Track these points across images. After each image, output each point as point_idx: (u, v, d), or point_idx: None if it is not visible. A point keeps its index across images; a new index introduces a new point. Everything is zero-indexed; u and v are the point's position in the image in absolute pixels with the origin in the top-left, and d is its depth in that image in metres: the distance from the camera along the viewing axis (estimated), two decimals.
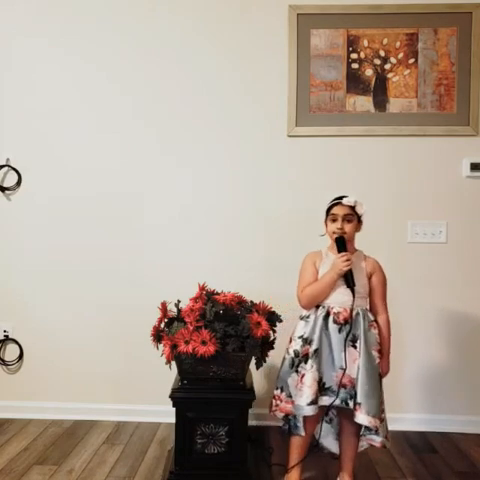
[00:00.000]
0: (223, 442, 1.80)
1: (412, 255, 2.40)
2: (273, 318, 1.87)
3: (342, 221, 1.75)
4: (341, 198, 1.77)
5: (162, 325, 1.85)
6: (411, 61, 2.39)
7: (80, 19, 2.44)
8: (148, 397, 2.44)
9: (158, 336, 1.82)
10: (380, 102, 2.40)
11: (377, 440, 1.70)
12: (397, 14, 2.37)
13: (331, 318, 1.74)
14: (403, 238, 2.41)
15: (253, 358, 1.85)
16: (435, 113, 2.39)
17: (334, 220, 1.77)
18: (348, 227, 1.76)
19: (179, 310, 1.85)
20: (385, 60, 2.39)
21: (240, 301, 1.87)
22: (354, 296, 1.72)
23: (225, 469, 1.80)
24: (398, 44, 2.39)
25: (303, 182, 2.42)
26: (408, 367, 2.41)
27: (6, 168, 2.49)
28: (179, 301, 1.87)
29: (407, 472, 2.00)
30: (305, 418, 1.74)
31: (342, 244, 1.75)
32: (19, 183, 2.49)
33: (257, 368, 1.86)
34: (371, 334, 1.75)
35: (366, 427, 1.68)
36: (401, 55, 2.39)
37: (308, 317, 1.79)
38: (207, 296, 1.85)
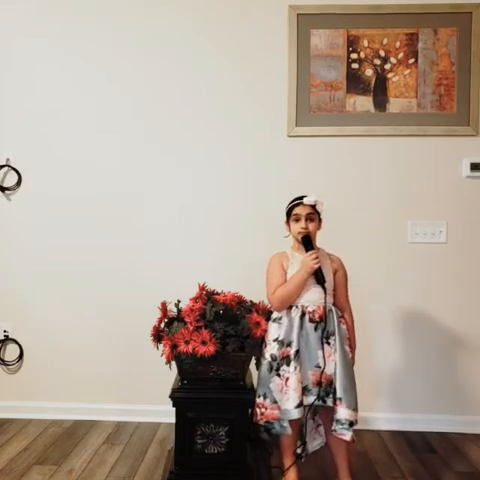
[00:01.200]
0: (223, 442, 1.80)
1: (412, 255, 2.40)
2: None
3: (305, 220, 1.78)
4: (301, 198, 1.80)
5: (162, 325, 1.85)
6: (411, 61, 2.39)
7: (80, 19, 2.44)
8: (148, 397, 2.44)
9: (158, 336, 1.82)
10: (380, 102, 2.40)
11: (348, 434, 1.70)
12: (397, 14, 2.37)
13: (307, 317, 1.75)
14: (403, 238, 2.41)
15: (253, 358, 1.85)
16: (435, 113, 2.39)
17: (297, 220, 1.80)
18: (311, 226, 1.80)
19: (179, 310, 1.85)
20: (385, 60, 2.39)
21: (240, 301, 1.87)
22: (325, 292, 1.75)
23: (225, 469, 1.80)
24: (398, 44, 2.39)
25: (303, 182, 2.41)
26: (408, 367, 2.41)
27: (6, 168, 2.49)
28: (179, 301, 1.87)
29: (406, 472, 2.00)
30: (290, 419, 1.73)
31: (308, 242, 1.78)
32: (19, 183, 2.49)
33: (257, 368, 1.86)
34: (342, 329, 1.79)
35: (338, 422, 1.69)
36: (401, 55, 2.39)
37: (280, 319, 1.79)
38: (207, 296, 1.85)
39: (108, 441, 2.26)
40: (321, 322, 1.74)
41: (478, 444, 2.26)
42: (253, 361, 1.86)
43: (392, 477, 1.96)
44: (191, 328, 1.74)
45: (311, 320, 1.75)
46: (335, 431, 1.71)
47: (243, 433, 1.80)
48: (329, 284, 1.79)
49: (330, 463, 1.86)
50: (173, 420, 1.82)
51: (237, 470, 1.80)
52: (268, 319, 1.83)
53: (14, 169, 2.48)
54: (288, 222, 1.85)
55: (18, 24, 2.47)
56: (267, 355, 1.78)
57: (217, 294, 1.87)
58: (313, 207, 1.79)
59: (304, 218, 1.79)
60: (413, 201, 2.41)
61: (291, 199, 1.86)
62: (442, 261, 2.40)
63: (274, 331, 1.79)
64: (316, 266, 1.73)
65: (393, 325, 2.42)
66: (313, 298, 1.77)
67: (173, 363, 1.81)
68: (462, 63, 2.37)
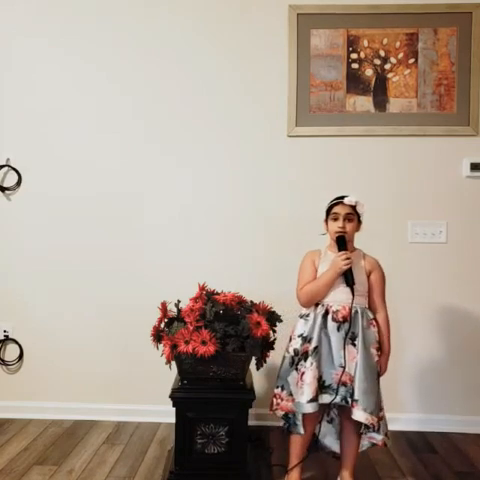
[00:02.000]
0: (223, 442, 1.80)
1: (412, 255, 2.40)
2: (273, 318, 1.88)
3: (343, 220, 1.77)
4: (342, 197, 1.78)
5: (162, 325, 1.85)
6: (411, 61, 2.39)
7: (80, 19, 2.44)
8: (148, 397, 2.44)
9: (158, 336, 1.82)
10: (380, 102, 2.40)
11: (378, 438, 1.71)
12: (397, 14, 2.37)
13: (330, 316, 1.74)
14: (403, 238, 2.41)
15: (253, 358, 1.85)
16: (435, 113, 2.39)
17: (335, 219, 1.78)
18: (349, 226, 1.78)
19: (179, 310, 1.85)
20: (385, 60, 2.39)
21: (240, 301, 1.87)
22: (353, 294, 1.73)
23: (225, 469, 1.80)
24: (398, 44, 2.39)
25: (303, 182, 2.42)
26: (408, 367, 2.41)
27: (6, 168, 2.49)
28: (179, 301, 1.87)
29: (407, 472, 2.00)
30: (304, 416, 1.74)
31: (342, 243, 1.76)
32: (19, 183, 2.49)
33: (257, 368, 1.86)
34: (370, 332, 1.76)
35: (366, 425, 1.69)
36: (401, 55, 2.39)
37: (308, 316, 1.79)
38: (207, 296, 1.85)
39: (108, 441, 2.26)
40: (344, 322, 1.72)
41: (479, 444, 2.26)
42: (253, 361, 1.86)
43: (392, 477, 1.96)
44: (191, 328, 1.74)
45: (334, 319, 1.74)
46: (365, 434, 1.72)
47: (243, 433, 1.81)
48: (361, 285, 1.76)
49: (332, 464, 1.87)
50: (173, 420, 1.82)
51: (237, 470, 1.80)
52: (268, 319, 1.83)
53: (14, 169, 2.48)
54: (326, 221, 1.83)
55: (18, 24, 2.46)
56: (290, 349, 1.79)
57: (217, 294, 1.87)
58: (353, 208, 1.78)
59: (342, 218, 1.77)
60: (413, 201, 2.41)
61: (330, 199, 1.83)
62: (442, 261, 2.40)
63: (300, 327, 1.79)
64: (345, 267, 1.71)
65: (393, 325, 2.41)
66: (340, 298, 1.75)
67: (173, 363, 1.81)
68: (462, 63, 2.37)
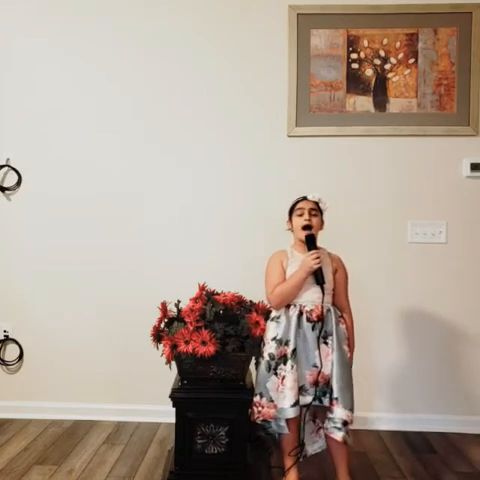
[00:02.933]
0: (223, 442, 1.80)
1: (412, 255, 2.40)
2: None
3: (308, 214, 1.80)
4: (306, 197, 1.84)
5: (162, 325, 1.85)
6: (411, 61, 2.39)
7: (80, 19, 2.44)
8: (148, 397, 2.44)
9: (158, 336, 1.82)
10: (380, 102, 2.40)
11: (339, 435, 1.70)
12: (397, 14, 2.37)
13: (304, 316, 1.75)
14: (403, 238, 2.41)
15: (253, 358, 1.85)
16: (435, 113, 2.39)
17: (300, 215, 1.81)
18: (314, 220, 1.80)
19: (179, 310, 1.85)
20: (385, 60, 2.39)
21: (240, 301, 1.87)
22: (323, 293, 1.75)
23: (225, 469, 1.80)
24: (398, 44, 2.39)
25: (303, 182, 2.41)
26: (407, 367, 2.41)
27: (6, 168, 2.49)
28: (179, 301, 1.87)
29: (406, 472, 2.00)
30: (287, 419, 1.73)
31: (312, 242, 1.78)
32: (19, 183, 2.49)
33: (256, 368, 1.85)
34: (340, 329, 1.78)
35: (329, 421, 1.69)
36: (401, 55, 2.39)
37: (278, 318, 1.79)
38: (207, 296, 1.85)
39: (108, 441, 2.26)
40: (319, 322, 1.74)
41: (478, 444, 2.26)
42: (253, 361, 1.86)
43: (392, 477, 1.96)
44: (191, 328, 1.74)
45: (308, 319, 1.75)
46: (327, 429, 1.72)
47: (243, 433, 1.81)
48: (328, 284, 1.79)
49: (330, 463, 1.86)
50: (173, 420, 1.82)
51: (237, 470, 1.80)
52: (267, 318, 1.83)
53: (14, 169, 2.48)
54: (291, 220, 1.86)
55: (18, 24, 2.46)
56: (265, 354, 1.78)
57: (217, 294, 1.87)
58: (316, 205, 1.81)
59: (307, 212, 1.80)
60: (413, 201, 2.41)
61: (294, 199, 1.88)
62: (442, 261, 2.40)
63: (272, 330, 1.79)
64: (316, 266, 1.73)
65: (393, 325, 2.42)
66: (311, 298, 1.77)
67: (173, 363, 1.81)
68: (462, 63, 2.37)
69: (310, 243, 1.77)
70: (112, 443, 2.24)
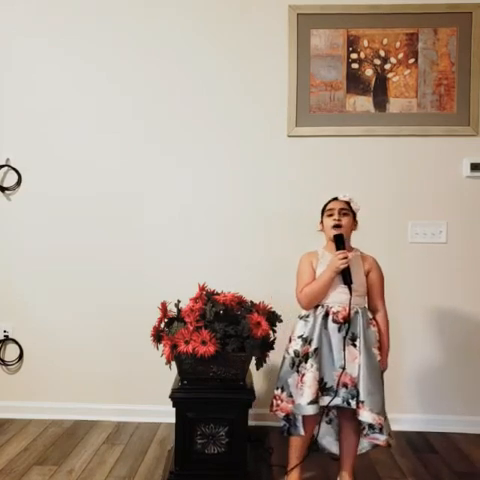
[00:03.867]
0: (223, 442, 1.80)
1: (412, 255, 2.40)
2: (273, 318, 1.88)
3: (338, 214, 1.78)
4: (336, 197, 1.82)
5: (162, 325, 1.85)
6: (411, 61, 2.39)
7: (80, 19, 2.44)
8: (148, 397, 2.44)
9: (158, 336, 1.82)
10: (380, 102, 2.40)
11: (381, 438, 1.69)
12: (397, 14, 2.37)
13: (330, 317, 1.74)
14: (403, 238, 2.41)
15: (253, 358, 1.85)
16: (435, 113, 2.39)
17: (330, 215, 1.79)
18: (345, 220, 1.78)
19: (179, 310, 1.85)
20: (385, 60, 2.39)
21: (240, 301, 1.87)
22: (351, 294, 1.73)
23: (225, 469, 1.80)
24: (398, 44, 2.39)
25: (303, 182, 2.42)
26: (408, 367, 2.41)
27: (6, 168, 2.49)
28: (179, 301, 1.87)
29: (407, 472, 2.00)
30: (304, 418, 1.74)
31: (340, 241, 1.76)
32: (19, 183, 2.49)
33: (257, 368, 1.86)
34: (370, 332, 1.75)
35: (369, 426, 1.68)
36: (401, 55, 2.39)
37: (308, 317, 1.78)
38: (207, 296, 1.85)
39: (108, 441, 2.25)
40: (345, 323, 1.72)
41: (479, 444, 2.26)
42: (253, 361, 1.86)
43: (392, 477, 1.96)
44: (191, 328, 1.74)
45: (334, 321, 1.73)
46: (367, 435, 1.70)
47: (243, 433, 1.81)
48: (360, 286, 1.76)
49: (331, 464, 1.86)
50: (173, 420, 1.82)
51: (237, 470, 1.80)
52: (268, 319, 1.83)
53: (14, 169, 2.48)
54: (322, 221, 1.84)
55: (18, 24, 2.46)
56: (291, 350, 1.78)
57: (217, 294, 1.87)
58: (348, 204, 1.80)
59: (337, 211, 1.78)
60: (413, 201, 2.41)
61: (327, 200, 1.86)
62: (442, 261, 2.40)
63: (300, 328, 1.78)
64: (342, 266, 1.70)
65: (393, 325, 2.41)
66: (339, 299, 1.74)
67: (173, 363, 1.81)
68: (462, 63, 2.37)
69: (338, 243, 1.75)
70: (112, 443, 2.23)
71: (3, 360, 2.51)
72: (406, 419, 2.39)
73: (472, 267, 2.40)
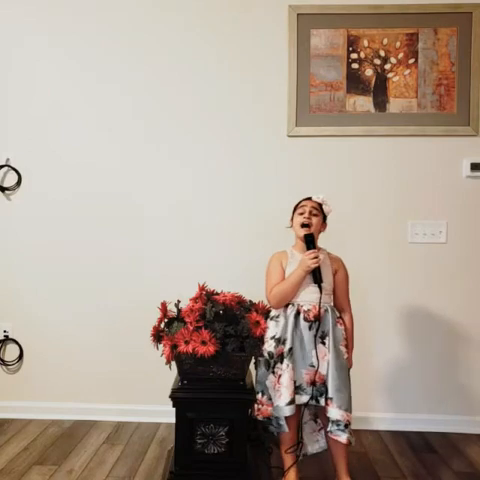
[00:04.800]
0: (223, 442, 1.80)
1: (412, 255, 2.40)
2: None
3: (309, 213, 1.80)
4: (310, 197, 1.86)
5: (162, 325, 1.85)
6: (411, 61, 2.39)
7: (80, 19, 2.44)
8: (148, 397, 2.44)
9: (158, 336, 1.82)
10: (380, 102, 2.40)
11: (343, 436, 1.70)
12: (397, 14, 2.37)
13: (301, 316, 1.76)
14: (403, 238, 2.41)
15: (253, 358, 1.85)
16: (435, 113, 2.39)
17: (301, 213, 1.82)
18: (314, 220, 1.81)
19: (179, 310, 1.85)
20: (385, 60, 2.39)
21: (240, 301, 1.87)
22: (321, 293, 1.75)
23: (225, 469, 1.80)
24: (398, 44, 2.39)
25: (303, 182, 2.41)
26: (407, 367, 2.41)
27: (6, 168, 2.49)
28: (179, 301, 1.87)
29: (406, 472, 2.00)
30: (286, 417, 1.74)
31: (311, 241, 1.78)
32: (19, 183, 2.49)
33: (256, 368, 1.85)
34: (338, 330, 1.78)
35: (335, 423, 1.69)
36: (401, 55, 2.39)
37: (278, 317, 1.80)
38: (207, 296, 1.85)
39: (108, 441, 2.26)
40: (315, 322, 1.75)
41: (478, 444, 2.26)
42: (253, 361, 1.86)
43: (392, 477, 1.96)
44: (191, 328, 1.74)
45: (305, 319, 1.76)
46: (331, 432, 1.72)
47: (243, 433, 1.80)
48: (328, 284, 1.80)
49: (330, 463, 1.86)
50: (173, 420, 1.82)
51: (237, 470, 1.80)
52: (267, 318, 1.83)
53: (14, 169, 2.48)
54: (293, 218, 1.87)
55: (18, 24, 2.46)
56: (265, 352, 1.79)
57: (217, 294, 1.87)
58: (320, 206, 1.83)
59: (308, 210, 1.81)
60: (413, 201, 2.41)
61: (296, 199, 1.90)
62: (442, 261, 2.40)
63: (272, 329, 1.80)
64: (313, 265, 1.74)
65: (393, 325, 2.42)
66: (309, 297, 1.78)
67: (173, 363, 1.81)
68: (462, 63, 2.37)
69: (309, 242, 1.78)
70: (112, 443, 2.24)
71: (3, 360, 2.51)
72: (406, 419, 2.39)
73: (472, 267, 2.40)
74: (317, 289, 1.76)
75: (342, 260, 1.88)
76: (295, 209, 1.87)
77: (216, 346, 1.72)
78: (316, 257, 1.74)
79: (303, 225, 1.80)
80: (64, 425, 2.41)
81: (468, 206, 2.40)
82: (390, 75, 2.40)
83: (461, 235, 2.40)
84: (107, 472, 1.97)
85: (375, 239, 2.41)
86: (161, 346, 1.79)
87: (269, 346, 1.78)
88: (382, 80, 2.40)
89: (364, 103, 2.40)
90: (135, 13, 2.44)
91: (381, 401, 2.42)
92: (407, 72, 2.39)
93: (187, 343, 1.73)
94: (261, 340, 1.80)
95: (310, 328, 1.75)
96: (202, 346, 1.71)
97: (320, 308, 1.75)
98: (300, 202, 1.87)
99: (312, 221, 1.80)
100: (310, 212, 1.81)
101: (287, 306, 1.79)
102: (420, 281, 2.40)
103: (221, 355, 1.75)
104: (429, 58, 2.39)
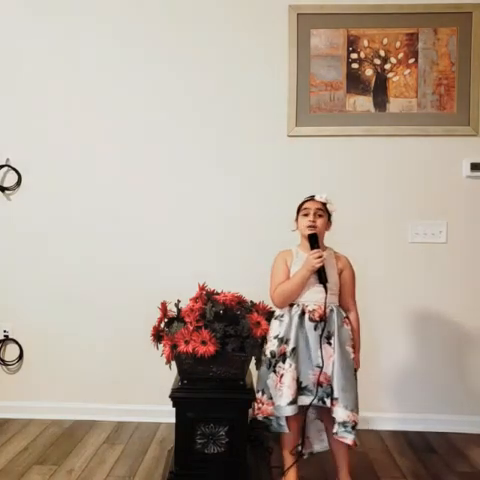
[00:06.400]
0: (223, 442, 1.80)
1: (412, 255, 2.40)
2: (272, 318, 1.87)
3: (314, 215, 1.78)
4: (313, 197, 1.82)
5: (162, 325, 1.85)
6: (411, 61, 2.39)
7: (80, 18, 2.44)
8: (148, 397, 2.44)
9: (158, 336, 1.82)
10: (380, 102, 2.40)
11: (350, 438, 1.68)
12: (397, 14, 2.37)
13: (306, 316, 1.75)
14: (403, 238, 2.41)
15: (253, 358, 1.85)
16: (435, 113, 2.39)
17: (306, 215, 1.80)
18: (319, 221, 1.79)
19: (179, 310, 1.85)
20: (385, 60, 2.39)
21: (240, 301, 1.87)
22: (327, 292, 1.74)
23: (225, 469, 1.80)
24: (398, 44, 2.39)
25: (303, 182, 2.40)
26: (408, 367, 2.41)
27: (6, 168, 2.49)
28: (179, 301, 1.87)
29: (406, 472, 2.00)
30: (287, 417, 1.73)
31: (315, 241, 1.77)
32: (19, 183, 2.49)
33: (257, 368, 1.85)
34: (344, 330, 1.77)
35: (342, 424, 1.67)
36: (401, 55, 2.39)
37: (282, 316, 1.79)
38: (207, 296, 1.85)
39: (108, 441, 2.26)
40: (321, 322, 1.73)
41: (479, 444, 2.26)
42: (253, 361, 1.86)
43: (392, 477, 1.96)
44: (191, 328, 1.74)
45: (311, 319, 1.74)
46: (336, 434, 1.69)
47: (243, 433, 1.80)
48: (333, 284, 1.77)
49: (330, 463, 1.86)
50: (173, 420, 1.82)
51: (237, 470, 1.80)
52: (269, 318, 1.83)
53: (14, 169, 2.48)
54: (297, 218, 1.85)
55: (18, 24, 2.46)
56: (267, 352, 1.78)
57: (217, 294, 1.87)
58: (324, 205, 1.80)
59: (313, 212, 1.78)
60: (413, 201, 2.41)
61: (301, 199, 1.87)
62: (442, 261, 2.40)
63: (275, 328, 1.79)
64: (318, 265, 1.72)
65: (393, 325, 2.42)
66: (314, 297, 1.76)
67: (173, 363, 1.81)
68: (462, 63, 2.37)
69: (313, 242, 1.76)
70: (112, 443, 2.24)
71: (3, 360, 2.51)
72: (406, 419, 2.39)
73: (472, 267, 2.40)
74: (322, 289, 1.74)
75: (348, 259, 1.86)
76: (299, 210, 1.84)
77: (216, 346, 1.72)
78: (320, 256, 1.72)
79: (309, 227, 1.77)
80: (64, 425, 2.41)
81: (468, 206, 2.40)
82: (390, 75, 2.40)
83: (461, 235, 2.40)
84: (107, 472, 1.97)
85: (375, 239, 2.41)
86: (161, 346, 1.79)
87: (272, 345, 1.77)
88: (382, 80, 2.40)
89: (364, 103, 2.40)
90: (135, 13, 2.44)
91: (382, 401, 2.42)
92: (407, 72, 2.39)
93: (187, 343, 1.73)
94: (262, 340, 1.80)
95: (315, 328, 1.73)
96: (202, 346, 1.71)
97: (325, 308, 1.74)
98: (304, 203, 1.83)
99: (317, 223, 1.78)
100: (315, 214, 1.78)
101: (292, 306, 1.78)
102: (420, 281, 2.40)
103: (221, 355, 1.75)
104: (429, 58, 2.39)
